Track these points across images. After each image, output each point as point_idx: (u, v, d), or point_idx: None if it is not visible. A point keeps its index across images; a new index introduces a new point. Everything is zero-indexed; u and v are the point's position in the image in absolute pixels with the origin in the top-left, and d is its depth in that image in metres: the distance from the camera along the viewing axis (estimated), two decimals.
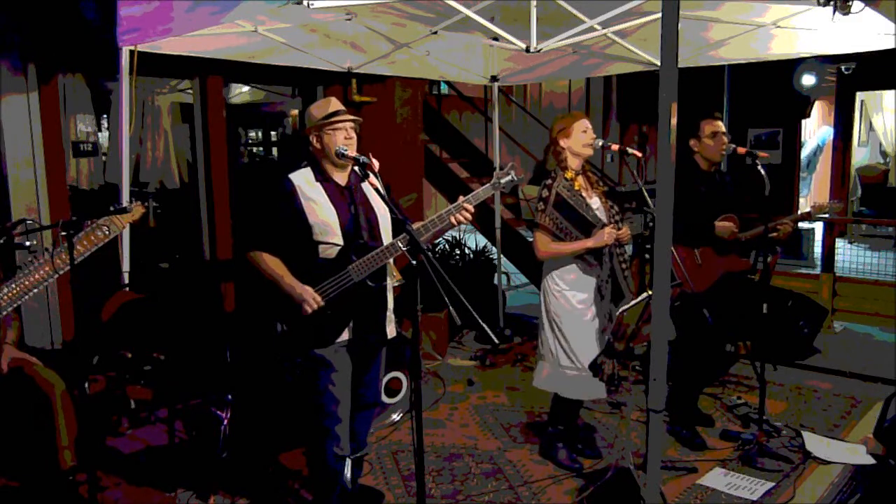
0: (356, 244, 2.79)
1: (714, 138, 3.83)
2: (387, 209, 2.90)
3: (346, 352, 2.86)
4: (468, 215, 2.77)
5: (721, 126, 3.87)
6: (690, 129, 3.86)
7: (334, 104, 2.88)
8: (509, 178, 2.83)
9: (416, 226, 2.75)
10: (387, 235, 2.93)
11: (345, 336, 2.83)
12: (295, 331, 2.81)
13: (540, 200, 3.48)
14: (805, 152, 11.17)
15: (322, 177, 2.85)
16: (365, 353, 2.95)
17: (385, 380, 4.05)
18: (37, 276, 2.84)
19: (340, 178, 2.88)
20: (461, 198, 2.81)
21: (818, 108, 11.97)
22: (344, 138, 2.80)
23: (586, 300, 3.47)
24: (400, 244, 2.71)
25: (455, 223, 2.79)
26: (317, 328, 2.78)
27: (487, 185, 2.85)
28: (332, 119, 2.82)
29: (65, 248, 2.77)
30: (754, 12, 4.05)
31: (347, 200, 2.85)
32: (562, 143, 3.48)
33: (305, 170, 2.87)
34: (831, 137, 9.25)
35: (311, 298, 2.72)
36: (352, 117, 2.86)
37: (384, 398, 4.05)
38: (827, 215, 4.38)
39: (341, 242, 2.78)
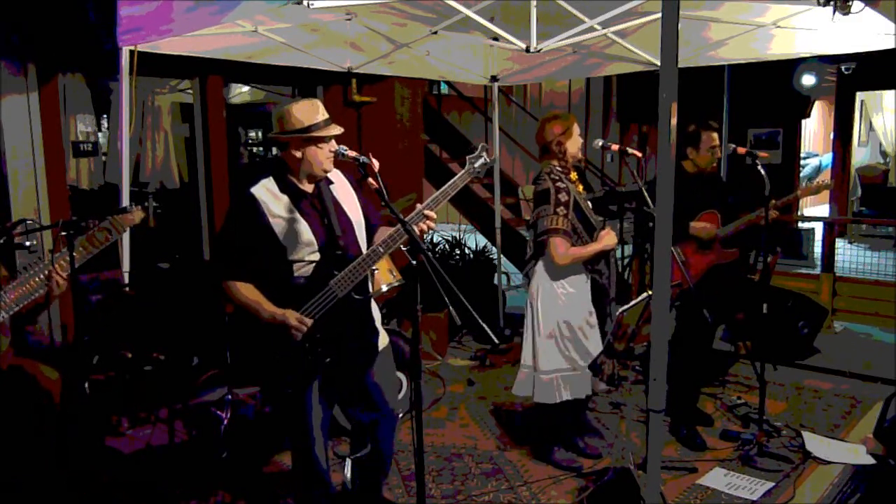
0: (334, 256, 2.57)
1: (711, 150, 3.86)
2: (358, 210, 2.74)
3: (328, 387, 2.68)
4: (431, 223, 2.56)
5: (716, 139, 3.89)
6: (689, 135, 3.85)
7: (322, 110, 2.57)
8: (482, 160, 2.70)
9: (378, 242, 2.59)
10: (362, 239, 2.73)
11: (334, 358, 2.61)
12: (282, 363, 2.58)
13: (560, 205, 3.38)
14: (804, 172, 11.18)
15: (286, 186, 2.59)
16: (360, 367, 2.77)
17: None
18: (38, 279, 2.84)
19: (307, 185, 2.64)
20: (415, 208, 2.60)
21: (818, 108, 11.97)
22: (329, 151, 2.56)
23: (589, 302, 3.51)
24: (381, 249, 2.55)
25: (420, 231, 2.53)
26: (304, 361, 2.57)
27: (462, 172, 2.68)
28: (326, 132, 2.54)
29: (64, 254, 2.76)
30: (754, 12, 4.05)
31: (318, 209, 2.62)
32: (566, 144, 3.48)
33: (267, 180, 2.60)
34: (831, 163, 9.33)
35: (297, 321, 2.48)
36: (338, 128, 2.61)
37: None
38: (817, 194, 4.37)
39: (318, 257, 2.56)
